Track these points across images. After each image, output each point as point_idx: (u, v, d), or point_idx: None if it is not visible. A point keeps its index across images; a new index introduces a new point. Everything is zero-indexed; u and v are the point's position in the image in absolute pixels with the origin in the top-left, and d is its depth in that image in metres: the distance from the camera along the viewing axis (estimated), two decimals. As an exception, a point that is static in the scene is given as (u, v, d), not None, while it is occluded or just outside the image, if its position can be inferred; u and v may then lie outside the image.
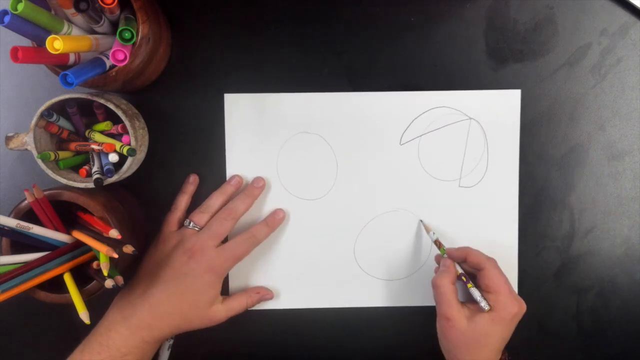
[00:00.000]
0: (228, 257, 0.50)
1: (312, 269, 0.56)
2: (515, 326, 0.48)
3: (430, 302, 0.56)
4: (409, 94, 0.54)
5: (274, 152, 0.55)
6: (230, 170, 0.55)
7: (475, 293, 0.48)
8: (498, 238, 0.55)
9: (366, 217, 0.55)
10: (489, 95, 0.54)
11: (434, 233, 0.53)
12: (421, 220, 0.55)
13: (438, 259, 0.53)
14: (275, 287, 0.56)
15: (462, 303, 0.49)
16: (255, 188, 0.54)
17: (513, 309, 0.47)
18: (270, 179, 0.55)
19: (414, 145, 0.55)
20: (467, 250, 0.50)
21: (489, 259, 0.49)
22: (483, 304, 0.47)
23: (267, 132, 0.54)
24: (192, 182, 0.54)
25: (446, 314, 0.48)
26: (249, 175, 0.55)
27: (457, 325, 0.47)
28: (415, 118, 0.54)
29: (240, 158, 0.54)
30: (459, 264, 0.51)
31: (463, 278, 0.49)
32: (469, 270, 0.51)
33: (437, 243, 0.52)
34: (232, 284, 0.55)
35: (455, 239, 0.55)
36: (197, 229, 0.52)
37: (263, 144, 0.54)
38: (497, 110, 0.54)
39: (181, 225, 0.53)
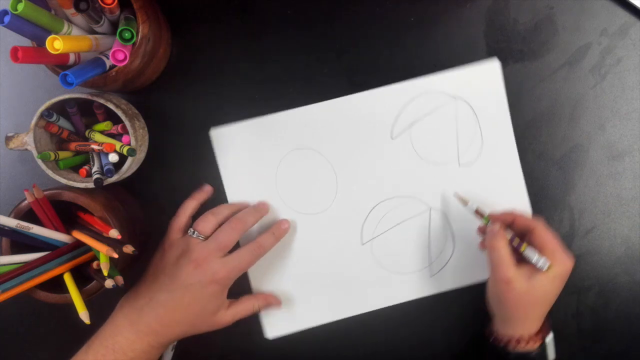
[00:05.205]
0: (233, 268, 0.50)
1: (330, 280, 0.55)
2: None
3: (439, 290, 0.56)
4: (390, 87, 0.54)
5: (270, 174, 0.55)
6: (231, 198, 0.55)
7: (533, 253, 0.48)
8: (510, 208, 0.54)
9: (377, 216, 0.55)
10: (469, 71, 0.54)
11: (472, 204, 0.52)
12: (456, 193, 0.54)
13: (482, 230, 0.52)
14: (298, 303, 0.56)
15: (519, 264, 0.49)
16: (264, 207, 0.54)
17: (569, 263, 0.48)
18: (273, 201, 0.55)
19: (406, 136, 0.54)
20: (511, 213, 0.51)
21: (537, 219, 0.50)
22: (542, 262, 0.47)
23: (260, 156, 0.54)
24: (205, 191, 0.54)
25: (506, 276, 0.47)
26: (250, 201, 0.55)
27: (517, 286, 0.47)
28: (402, 110, 0.54)
29: (239, 186, 0.55)
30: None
31: (516, 240, 0.49)
32: (516, 233, 0.50)
33: (478, 213, 0.52)
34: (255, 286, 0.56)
35: (469, 219, 0.54)
36: (201, 238, 0.51)
37: (259, 168, 0.54)
38: (480, 84, 0.54)
39: (186, 231, 0.53)
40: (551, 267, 0.47)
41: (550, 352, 0.49)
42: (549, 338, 0.49)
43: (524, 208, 0.55)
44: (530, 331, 0.48)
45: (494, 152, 0.54)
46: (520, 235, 0.50)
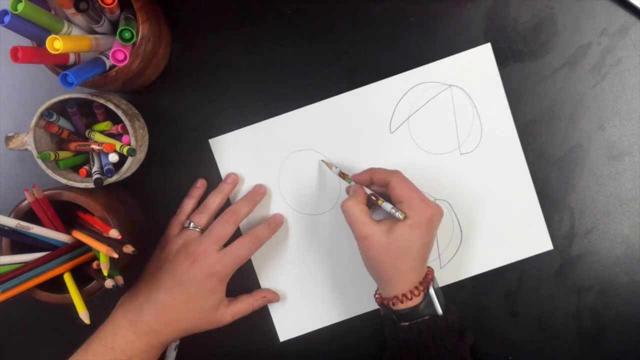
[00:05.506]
0: (230, 261, 0.50)
1: (340, 279, 0.55)
2: (436, 231, 0.48)
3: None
4: (384, 82, 0.54)
5: (273, 178, 0.55)
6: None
7: (387, 206, 0.47)
8: (515, 193, 0.55)
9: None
10: (461, 58, 0.54)
11: (336, 167, 0.52)
12: (322, 160, 0.54)
13: (348, 190, 0.51)
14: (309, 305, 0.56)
15: (378, 221, 0.48)
16: (257, 193, 0.54)
17: (428, 211, 0.46)
18: (277, 205, 0.55)
19: (405, 129, 0.54)
20: (370, 170, 0.50)
21: (393, 172, 0.49)
22: (398, 213, 0.47)
23: (261, 161, 0.55)
24: (199, 187, 0.54)
25: (362, 234, 0.47)
26: (259, 207, 0.55)
27: (376, 241, 0.46)
28: (397, 103, 0.54)
29: (242, 193, 0.55)
30: (368, 186, 0.50)
31: (373, 197, 0.49)
32: (379, 190, 0.50)
33: (342, 175, 0.51)
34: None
35: (474, 207, 0.54)
36: (197, 229, 0.52)
37: (261, 173, 0.55)
38: (474, 70, 0.54)
39: (183, 227, 0.53)
40: (408, 217, 0.46)
41: (437, 305, 0.47)
42: (432, 290, 0.48)
43: (529, 193, 0.55)
44: (407, 286, 0.47)
45: (494, 137, 0.54)
46: (383, 190, 0.49)
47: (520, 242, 0.55)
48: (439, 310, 0.47)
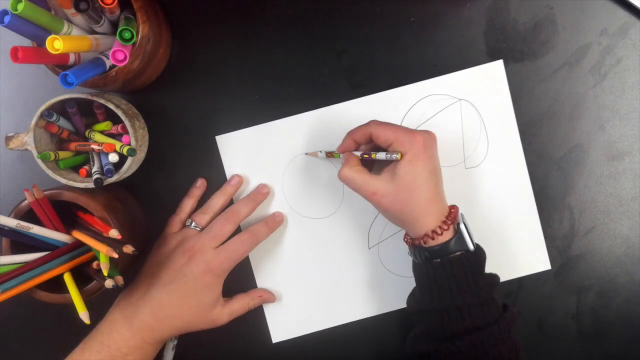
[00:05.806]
0: (226, 258, 0.50)
1: (337, 284, 0.56)
2: (436, 155, 0.48)
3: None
4: (395, 91, 0.54)
5: (277, 179, 0.55)
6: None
7: (382, 155, 0.47)
8: (517, 210, 0.55)
9: (383, 221, 0.55)
10: (473, 73, 0.54)
11: (321, 151, 0.53)
12: (306, 153, 0.54)
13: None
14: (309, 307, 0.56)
15: (379, 174, 0.48)
16: (260, 194, 0.54)
17: (419, 138, 0.46)
18: (280, 206, 0.55)
19: None
20: (349, 134, 0.49)
21: (369, 123, 0.48)
22: (393, 155, 0.46)
23: (266, 162, 0.55)
24: (199, 187, 0.54)
25: (369, 191, 0.47)
26: (259, 208, 0.55)
27: (385, 191, 0.46)
28: (407, 112, 0.54)
29: (246, 192, 0.55)
30: (357, 150, 0.50)
31: (365, 156, 0.48)
32: (369, 147, 0.50)
33: (329, 154, 0.52)
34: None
35: (476, 222, 0.54)
36: (198, 229, 0.52)
37: (266, 173, 0.55)
38: (484, 85, 0.54)
39: (183, 226, 0.53)
40: (403, 153, 0.46)
41: (468, 240, 0.47)
42: (462, 225, 0.47)
43: (531, 209, 0.55)
44: (434, 221, 0.46)
45: (500, 153, 0.55)
46: (371, 146, 0.49)
47: (519, 260, 0.55)
48: (470, 246, 0.47)
